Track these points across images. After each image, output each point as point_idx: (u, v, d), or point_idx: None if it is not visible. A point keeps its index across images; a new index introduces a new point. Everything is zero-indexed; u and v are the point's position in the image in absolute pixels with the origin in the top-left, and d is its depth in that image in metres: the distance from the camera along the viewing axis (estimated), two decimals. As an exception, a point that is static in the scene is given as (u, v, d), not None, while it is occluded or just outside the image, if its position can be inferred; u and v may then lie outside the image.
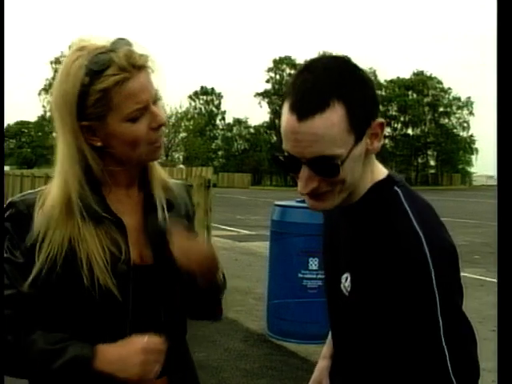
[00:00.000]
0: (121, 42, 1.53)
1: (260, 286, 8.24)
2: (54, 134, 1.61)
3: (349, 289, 1.47)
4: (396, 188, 1.48)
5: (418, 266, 1.34)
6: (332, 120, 1.32)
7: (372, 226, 1.45)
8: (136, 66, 1.51)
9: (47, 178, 17.05)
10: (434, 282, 1.33)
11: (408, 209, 1.42)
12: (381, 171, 1.52)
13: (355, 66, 1.39)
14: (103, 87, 1.49)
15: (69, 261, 1.53)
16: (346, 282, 1.48)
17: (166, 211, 1.67)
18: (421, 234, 1.37)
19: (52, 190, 1.58)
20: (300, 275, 6.24)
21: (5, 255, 1.53)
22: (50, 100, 1.59)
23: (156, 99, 1.57)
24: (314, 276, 6.23)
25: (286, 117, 1.36)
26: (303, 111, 1.32)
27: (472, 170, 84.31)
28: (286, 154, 1.40)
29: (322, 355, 1.88)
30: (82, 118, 1.52)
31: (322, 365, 1.85)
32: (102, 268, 1.52)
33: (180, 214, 1.75)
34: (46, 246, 1.52)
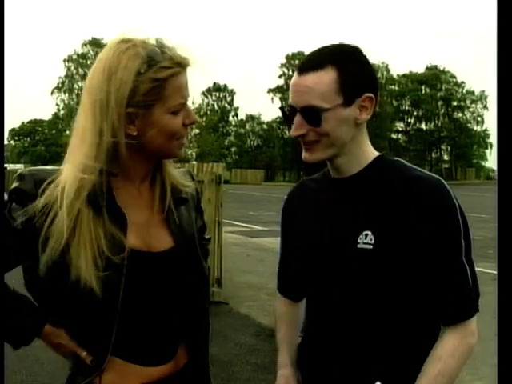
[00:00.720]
0: (164, 40, 1.61)
1: (272, 281, 8.14)
2: (75, 125, 1.63)
3: (372, 242, 1.64)
4: (396, 158, 1.78)
5: (446, 198, 1.63)
6: (322, 78, 1.62)
7: (389, 181, 1.68)
8: (185, 63, 1.60)
9: (60, 176, 17.20)
10: (458, 210, 1.63)
11: (417, 167, 1.72)
12: (374, 150, 1.77)
13: (357, 49, 1.70)
14: (160, 77, 1.55)
15: (63, 247, 1.55)
16: (366, 238, 1.65)
17: (178, 207, 1.75)
18: (439, 177, 1.67)
19: (66, 171, 1.59)
20: (311, 270, 6.24)
21: (4, 213, 1.56)
22: (87, 85, 1.60)
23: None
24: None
25: (294, 76, 1.68)
26: (303, 68, 1.65)
27: (487, 164, 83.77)
28: (289, 105, 1.69)
29: (281, 364, 1.91)
30: (129, 105, 1.56)
31: (287, 373, 1.87)
32: (88, 260, 1.54)
33: (191, 208, 1.82)
34: (55, 224, 1.54)
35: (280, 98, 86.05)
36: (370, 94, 1.67)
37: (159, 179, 1.73)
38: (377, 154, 1.77)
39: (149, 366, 1.67)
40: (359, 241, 1.65)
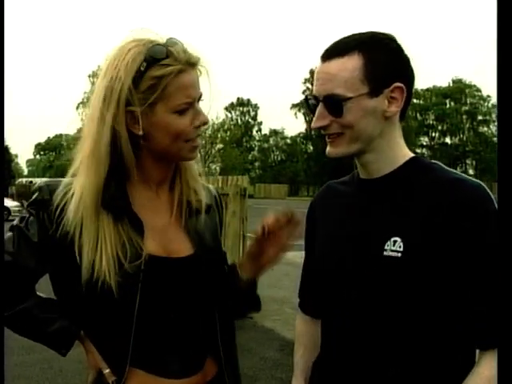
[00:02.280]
0: (175, 39, 1.57)
1: (296, 295, 8.15)
2: (84, 122, 1.62)
3: (401, 249, 1.48)
4: (434, 161, 1.62)
5: (487, 203, 1.46)
6: (346, 65, 1.50)
7: (424, 183, 1.53)
8: (191, 62, 1.55)
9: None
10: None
11: (456, 171, 1.57)
12: (408, 151, 1.63)
13: (393, 39, 1.55)
14: (159, 74, 1.51)
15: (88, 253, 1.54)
16: (394, 245, 1.50)
17: (200, 213, 1.71)
18: (480, 182, 1.51)
19: (81, 178, 1.58)
20: (336, 284, 6.15)
21: (21, 226, 1.58)
22: (96, 83, 1.60)
23: (199, 99, 1.60)
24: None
25: (318, 64, 1.57)
26: (326, 55, 1.54)
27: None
28: (312, 95, 1.58)
29: (297, 374, 1.86)
30: (131, 104, 1.53)
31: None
32: (106, 266, 1.52)
33: (215, 217, 1.78)
34: (85, 236, 1.54)
35: (304, 114, 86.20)
36: (401, 84, 1.52)
37: (179, 183, 1.70)
38: (411, 154, 1.62)
39: (172, 377, 1.61)
40: (386, 247, 1.50)
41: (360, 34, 1.56)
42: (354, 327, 1.57)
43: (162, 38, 1.57)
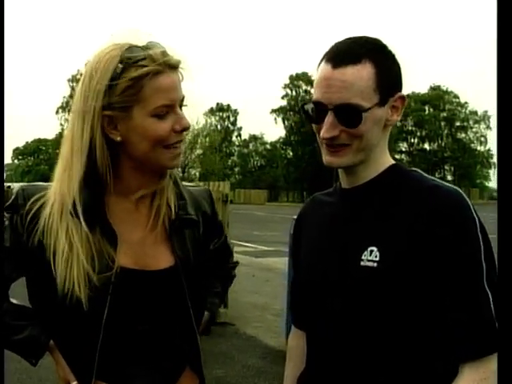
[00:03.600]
0: (154, 42, 1.52)
1: (278, 302, 8.14)
2: (66, 127, 1.59)
3: (377, 259, 1.47)
4: (413, 168, 1.61)
5: (464, 210, 1.43)
6: (362, 73, 1.46)
7: (403, 191, 1.51)
8: (169, 64, 1.50)
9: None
10: (478, 226, 1.43)
11: (435, 178, 1.55)
12: (390, 158, 1.61)
13: (388, 47, 1.54)
14: (135, 76, 1.47)
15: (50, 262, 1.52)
16: (370, 255, 1.48)
17: (184, 227, 1.65)
18: (458, 189, 1.48)
19: (56, 184, 1.55)
20: (319, 290, 6.13)
21: None
22: (76, 89, 1.56)
23: (182, 104, 1.54)
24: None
25: (322, 67, 1.50)
26: (338, 60, 1.47)
27: (491, 184, 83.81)
28: (314, 102, 1.51)
29: None
30: (107, 108, 1.48)
31: None
32: (76, 278, 1.49)
33: (200, 230, 1.71)
34: (57, 245, 1.52)
35: (283, 119, 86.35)
36: (403, 94, 1.54)
37: (161, 195, 1.63)
38: (392, 161, 1.60)
39: None
40: (363, 257, 1.48)
41: (362, 39, 1.52)
42: (336, 338, 1.55)
43: (142, 41, 1.52)
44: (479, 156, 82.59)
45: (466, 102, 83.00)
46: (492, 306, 1.39)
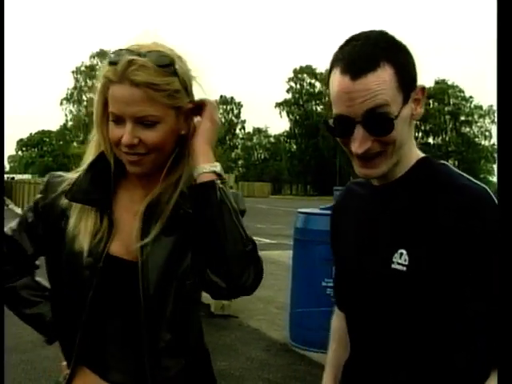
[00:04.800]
0: (157, 54, 1.50)
1: (282, 295, 8.13)
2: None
3: (406, 263, 1.44)
4: (443, 161, 1.55)
5: (491, 208, 1.37)
6: (384, 77, 1.38)
7: (432, 189, 1.46)
8: (129, 78, 1.46)
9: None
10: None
11: (463, 173, 1.49)
12: (417, 150, 1.56)
13: (395, 37, 1.46)
14: (102, 75, 1.52)
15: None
16: (400, 258, 1.45)
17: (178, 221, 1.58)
18: (487, 189, 1.42)
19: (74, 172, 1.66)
20: (324, 284, 6.09)
21: (25, 209, 1.72)
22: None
23: (147, 121, 1.49)
24: (339, 285, 6.09)
25: (338, 80, 1.41)
26: (356, 71, 1.38)
27: (495, 179, 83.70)
28: (337, 116, 1.43)
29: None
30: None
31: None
32: (73, 258, 1.57)
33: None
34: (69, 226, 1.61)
35: (287, 112, 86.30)
36: (423, 85, 1.48)
37: (166, 192, 1.61)
38: (421, 155, 1.56)
39: (111, 381, 1.59)
40: (394, 260, 1.46)
41: (371, 37, 1.44)
42: (369, 331, 1.57)
43: (140, 47, 1.51)
44: (483, 151, 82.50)
45: (470, 97, 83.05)
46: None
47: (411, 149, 1.54)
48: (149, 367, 1.56)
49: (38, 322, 1.72)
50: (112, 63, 1.48)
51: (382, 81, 1.38)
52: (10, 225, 1.71)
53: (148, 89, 1.46)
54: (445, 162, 1.55)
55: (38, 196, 1.68)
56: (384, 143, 1.43)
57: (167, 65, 1.49)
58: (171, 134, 1.53)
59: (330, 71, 1.46)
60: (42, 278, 1.75)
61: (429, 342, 1.47)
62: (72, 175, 1.65)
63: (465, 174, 1.50)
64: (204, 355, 1.72)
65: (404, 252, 1.45)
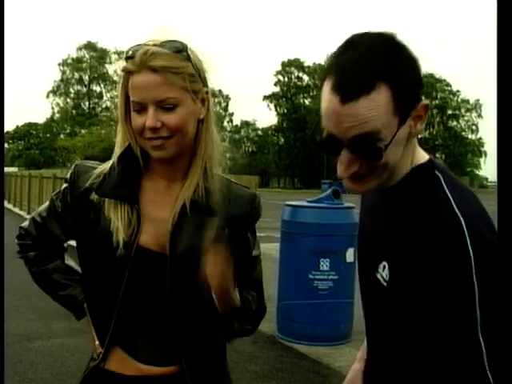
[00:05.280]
0: (170, 43, 1.61)
1: (269, 287, 8.07)
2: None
3: (387, 278, 1.39)
4: (437, 173, 1.40)
5: (458, 254, 1.26)
6: (377, 103, 1.25)
7: (411, 211, 1.37)
8: (147, 65, 1.57)
9: (55, 179, 17.11)
10: (473, 272, 1.25)
11: (449, 195, 1.35)
12: (421, 155, 1.44)
13: (401, 45, 1.31)
14: (123, 69, 1.61)
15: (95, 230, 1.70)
16: (383, 270, 1.41)
17: (198, 213, 1.68)
18: (462, 223, 1.28)
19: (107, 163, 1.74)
20: (311, 276, 6.13)
21: (53, 197, 1.79)
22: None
23: (164, 104, 1.59)
24: (325, 277, 6.10)
25: (328, 97, 1.28)
26: (347, 93, 1.25)
27: (481, 173, 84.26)
28: (325, 134, 1.33)
29: (358, 357, 1.82)
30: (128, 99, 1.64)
31: (357, 367, 1.78)
32: (107, 248, 1.65)
33: (215, 220, 1.69)
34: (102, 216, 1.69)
35: (275, 105, 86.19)
36: (425, 102, 1.34)
37: (190, 183, 1.69)
38: (420, 160, 1.42)
39: (141, 362, 1.70)
40: (379, 270, 1.43)
41: (374, 48, 1.28)
42: (369, 344, 1.60)
43: (154, 41, 1.61)
44: (470, 144, 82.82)
45: (458, 91, 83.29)
46: (485, 357, 1.24)
47: (406, 160, 1.40)
48: (180, 345, 1.69)
49: (70, 303, 1.84)
50: (129, 57, 1.59)
51: (374, 106, 1.25)
52: (39, 210, 1.81)
53: (166, 73, 1.57)
54: (439, 176, 1.40)
55: (65, 186, 1.76)
56: (373, 166, 1.32)
57: (181, 50, 1.60)
58: (191, 116, 1.63)
59: (323, 79, 1.32)
60: (72, 261, 1.87)
61: (411, 359, 1.39)
62: (100, 167, 1.73)
63: (452, 197, 1.35)
64: (223, 344, 1.83)
65: (386, 265, 1.41)
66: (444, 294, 1.27)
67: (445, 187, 1.36)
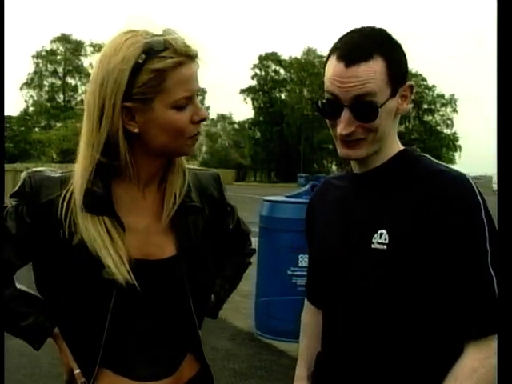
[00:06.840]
0: (171, 30, 1.49)
1: (247, 283, 8.02)
2: (82, 117, 1.53)
3: (386, 241, 1.52)
4: (422, 154, 1.65)
5: (470, 195, 1.49)
6: (375, 69, 1.50)
7: (410, 176, 1.56)
8: (190, 54, 1.47)
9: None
10: (482, 211, 1.47)
11: (442, 163, 1.59)
12: (400, 144, 1.66)
13: (393, 36, 1.58)
14: (159, 67, 1.43)
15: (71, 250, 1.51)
16: (380, 238, 1.53)
17: (187, 214, 1.63)
18: (466, 175, 1.52)
19: (75, 175, 1.52)
20: (289, 272, 6.08)
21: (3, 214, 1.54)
22: (91, 77, 1.49)
23: (198, 94, 1.53)
24: (304, 273, 6.03)
25: (334, 64, 1.53)
26: (350, 59, 1.51)
27: (456, 167, 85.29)
28: (327, 98, 1.55)
29: (297, 377, 1.86)
30: (127, 99, 1.44)
31: None
32: (91, 268, 1.49)
33: (203, 216, 1.68)
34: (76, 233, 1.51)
35: (252, 99, 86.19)
36: (412, 82, 1.61)
37: (166, 183, 1.60)
38: (401, 147, 1.66)
39: (140, 380, 1.57)
40: (373, 240, 1.54)
41: (369, 32, 1.57)
42: (348, 319, 1.61)
43: (157, 28, 1.48)
44: (445, 139, 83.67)
45: (433, 85, 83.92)
46: (496, 287, 1.43)
47: (393, 141, 1.64)
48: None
49: (36, 332, 1.59)
50: (163, 50, 1.44)
51: (372, 71, 1.50)
52: None
53: (198, 60, 1.51)
54: (425, 154, 1.65)
55: (18, 202, 1.54)
56: (367, 130, 1.53)
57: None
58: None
59: (327, 57, 1.57)
60: (22, 285, 1.63)
61: (414, 327, 1.52)
62: (58, 174, 1.57)
63: (444, 164, 1.60)
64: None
65: (384, 232, 1.53)
66: (459, 235, 1.46)
67: (435, 160, 1.61)
